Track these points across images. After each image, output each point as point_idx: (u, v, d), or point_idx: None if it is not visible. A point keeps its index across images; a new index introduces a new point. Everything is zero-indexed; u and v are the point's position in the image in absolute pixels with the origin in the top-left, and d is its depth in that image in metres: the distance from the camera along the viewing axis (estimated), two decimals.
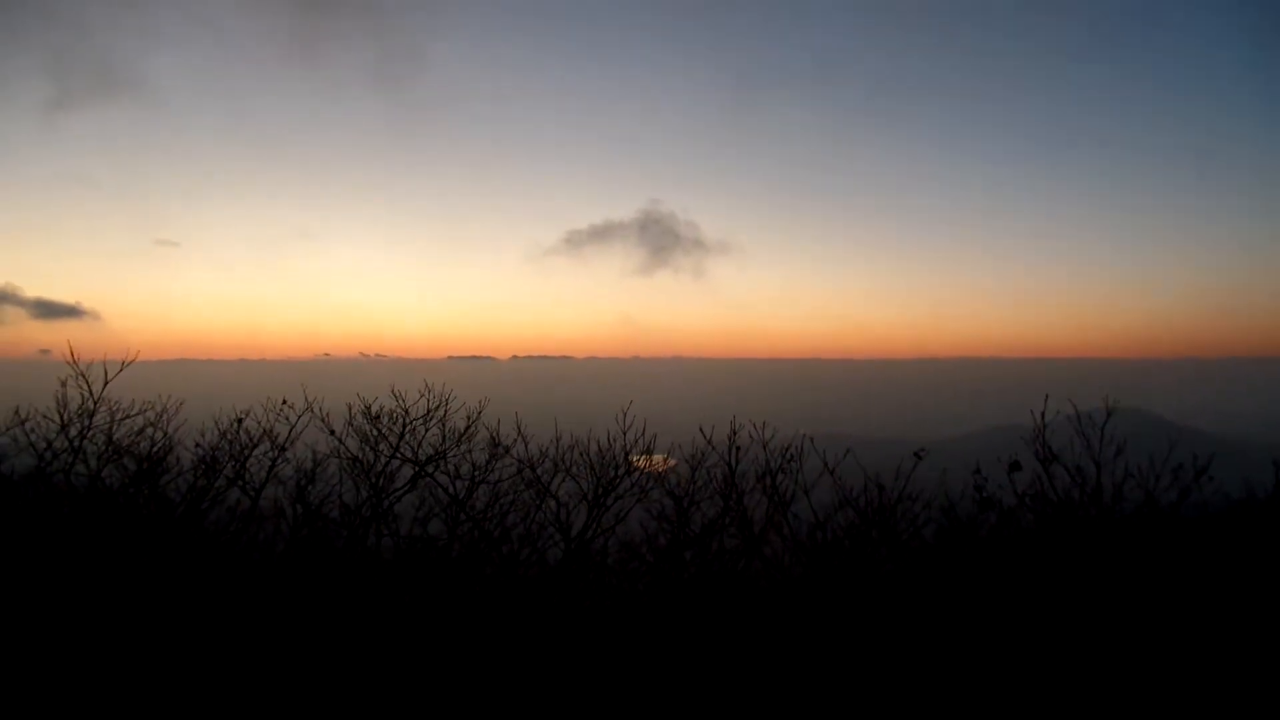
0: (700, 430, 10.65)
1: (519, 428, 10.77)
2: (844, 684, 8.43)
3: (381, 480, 10.50)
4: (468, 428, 10.67)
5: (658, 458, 11.26)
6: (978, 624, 9.16)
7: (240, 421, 10.19)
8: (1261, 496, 10.08)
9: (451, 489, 10.72)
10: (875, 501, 10.27)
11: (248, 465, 10.17)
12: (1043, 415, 9.91)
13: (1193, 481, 9.44)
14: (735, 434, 10.72)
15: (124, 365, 9.93)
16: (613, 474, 10.85)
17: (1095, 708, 7.66)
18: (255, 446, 10.19)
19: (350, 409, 10.39)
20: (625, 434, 10.94)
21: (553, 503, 10.79)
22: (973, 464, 10.25)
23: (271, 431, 10.29)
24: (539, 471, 10.68)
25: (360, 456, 10.45)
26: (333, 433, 10.35)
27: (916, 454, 10.18)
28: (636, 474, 10.98)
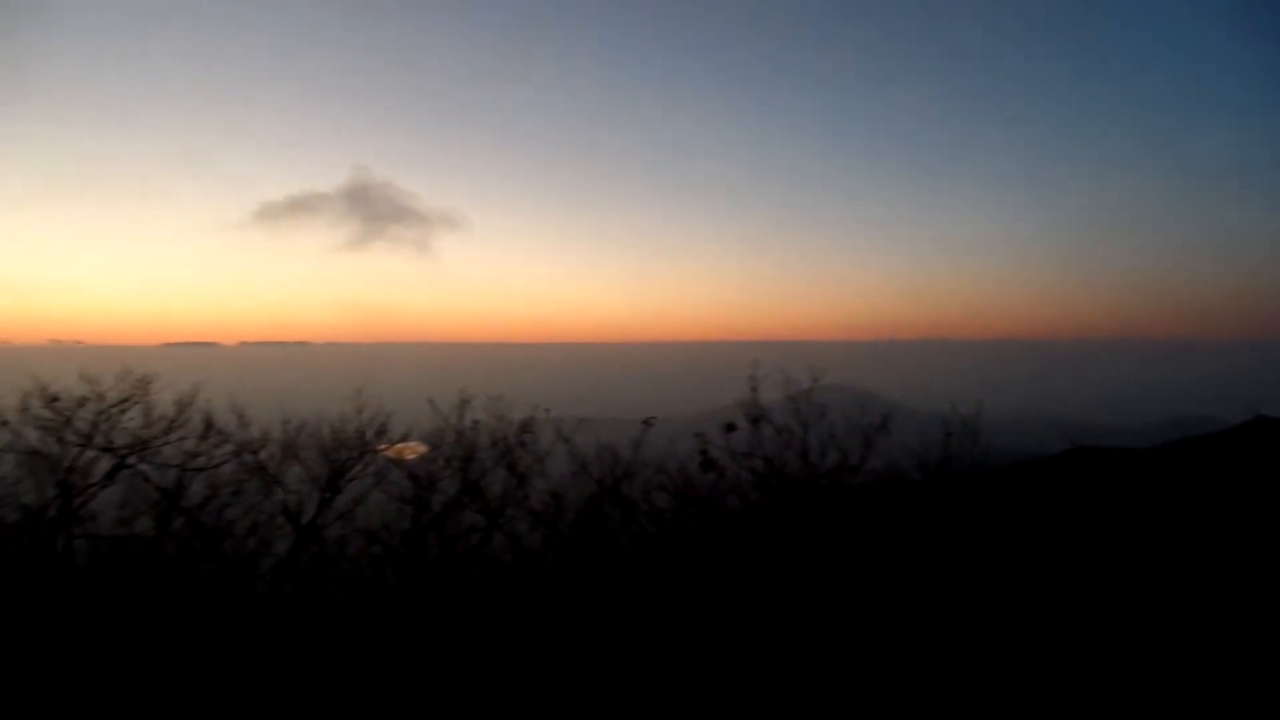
0: (436, 403, 10.59)
1: (238, 411, 10.09)
2: (585, 653, 8.65)
3: (72, 475, 9.41)
4: (179, 412, 9.83)
5: (402, 445, 11.02)
6: (702, 578, 9.79)
7: None
8: (934, 458, 11.62)
9: (161, 481, 9.83)
10: (610, 470, 10.72)
11: None
12: (754, 381, 10.82)
13: (875, 433, 10.71)
14: (468, 404, 10.75)
15: None
16: (346, 458, 10.47)
17: (816, 651, 8.42)
18: None
19: (27, 396, 9.22)
20: (360, 415, 10.60)
21: (280, 491, 10.21)
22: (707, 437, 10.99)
23: None
24: (262, 456, 10.06)
25: (42, 449, 9.29)
26: (4, 422, 9.13)
27: (646, 422, 10.74)
28: (374, 458, 10.67)
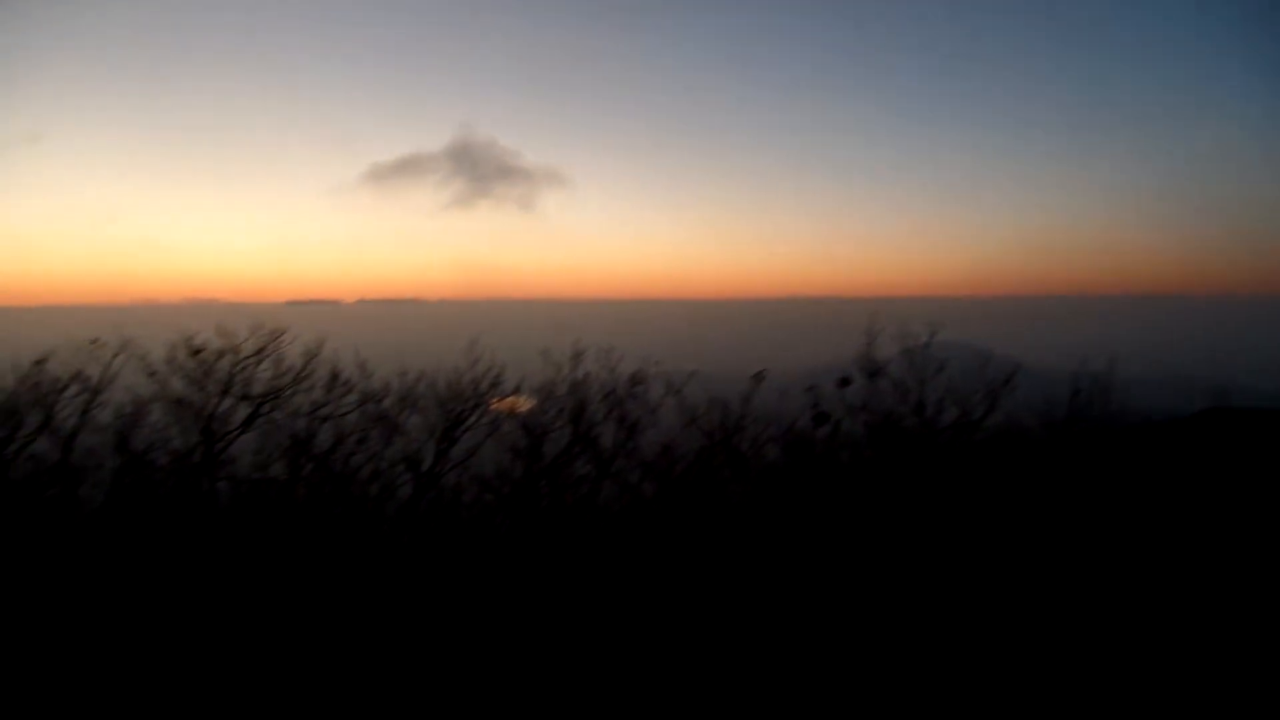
0: (546, 357, 10.67)
1: (360, 364, 10.42)
2: (695, 599, 8.72)
3: (213, 422, 9.94)
4: (306, 364, 10.22)
5: (514, 398, 11.20)
6: (815, 533, 9.69)
7: (41, 363, 9.33)
8: (1060, 416, 11.04)
9: (292, 428, 10.29)
10: (720, 423, 10.64)
11: (56, 411, 9.37)
12: (870, 336, 10.49)
13: (1000, 388, 10.26)
14: (580, 357, 10.79)
15: None
16: (461, 409, 10.71)
17: (924, 604, 8.28)
18: (63, 390, 9.38)
19: (173, 348, 9.73)
20: (474, 369, 10.79)
21: (401, 440, 10.55)
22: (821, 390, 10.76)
23: (81, 374, 9.51)
24: (384, 406, 10.39)
25: (187, 397, 9.83)
26: (153, 373, 9.67)
27: (756, 375, 10.57)
28: (487, 409, 10.88)
